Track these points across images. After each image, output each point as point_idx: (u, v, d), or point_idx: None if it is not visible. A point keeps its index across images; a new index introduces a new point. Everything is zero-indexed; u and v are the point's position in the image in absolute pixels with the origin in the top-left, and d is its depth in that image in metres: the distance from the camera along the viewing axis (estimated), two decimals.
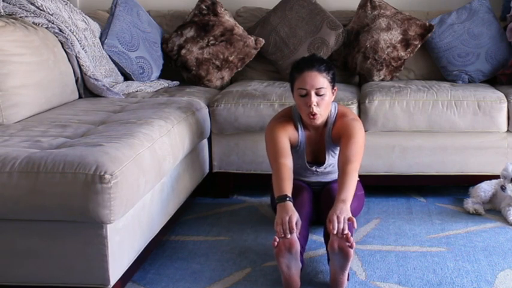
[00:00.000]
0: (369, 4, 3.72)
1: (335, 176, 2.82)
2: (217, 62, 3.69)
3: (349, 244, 2.21)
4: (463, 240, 2.72)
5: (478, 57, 3.61)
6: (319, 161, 2.80)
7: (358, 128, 2.65)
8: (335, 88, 2.68)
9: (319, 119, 2.64)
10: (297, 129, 2.75)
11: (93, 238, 2.03)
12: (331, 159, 2.77)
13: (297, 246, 2.26)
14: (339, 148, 2.67)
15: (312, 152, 2.80)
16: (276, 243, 2.25)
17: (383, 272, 2.42)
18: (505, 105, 3.13)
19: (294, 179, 2.79)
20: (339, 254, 2.23)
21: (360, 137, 2.62)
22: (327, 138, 2.73)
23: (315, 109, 2.59)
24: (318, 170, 2.79)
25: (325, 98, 2.61)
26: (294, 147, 2.75)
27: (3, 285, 2.11)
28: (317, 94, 2.59)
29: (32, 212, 2.00)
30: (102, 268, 2.05)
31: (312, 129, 2.76)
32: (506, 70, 3.56)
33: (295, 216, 2.34)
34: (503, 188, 2.92)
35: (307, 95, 2.60)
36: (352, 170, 2.49)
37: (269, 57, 3.80)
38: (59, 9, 3.21)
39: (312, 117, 2.62)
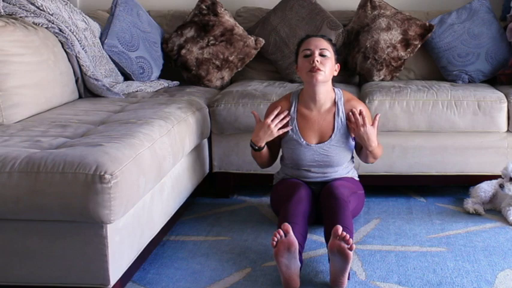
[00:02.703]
0: (369, 4, 3.72)
1: (335, 173, 2.83)
2: (217, 62, 3.69)
3: (349, 246, 2.21)
4: (463, 240, 2.72)
5: (478, 57, 3.61)
6: (323, 141, 2.82)
7: (370, 116, 2.85)
8: (338, 64, 2.82)
9: (321, 75, 2.72)
10: (289, 109, 2.81)
11: (93, 238, 2.03)
12: (335, 140, 2.79)
13: (296, 244, 2.26)
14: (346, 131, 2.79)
15: (316, 133, 2.81)
16: (274, 242, 2.26)
17: (383, 272, 2.43)
18: (505, 105, 3.13)
19: (292, 178, 2.80)
20: (339, 256, 2.23)
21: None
22: (338, 122, 2.79)
23: (318, 64, 2.71)
24: (320, 149, 2.79)
25: (328, 62, 2.74)
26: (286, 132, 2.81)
27: (3, 285, 2.11)
28: (320, 55, 2.72)
29: (32, 212, 2.00)
30: (102, 268, 2.05)
31: (314, 109, 2.80)
32: (506, 70, 3.56)
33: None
34: (501, 186, 2.93)
35: (311, 55, 2.72)
36: (381, 146, 2.87)
37: (269, 57, 3.80)
38: (59, 9, 3.21)
39: (314, 70, 2.70)
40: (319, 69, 2.70)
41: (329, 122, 2.81)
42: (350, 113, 2.75)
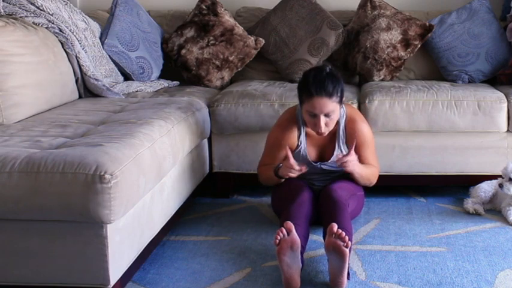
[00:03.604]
0: (369, 4, 3.72)
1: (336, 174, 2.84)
2: (217, 62, 3.69)
3: (344, 244, 2.21)
4: (463, 240, 2.72)
5: (478, 57, 3.61)
6: (325, 158, 2.84)
7: (370, 136, 2.83)
8: (343, 100, 2.72)
9: (326, 133, 2.71)
10: (299, 130, 2.80)
11: (93, 238, 2.03)
12: (336, 159, 2.79)
13: (299, 243, 2.27)
14: (347, 148, 2.77)
15: (317, 150, 2.84)
16: (277, 240, 2.26)
17: (383, 272, 2.42)
18: (505, 105, 3.13)
19: (294, 178, 2.81)
20: (335, 254, 2.23)
21: (373, 143, 2.84)
22: (339, 142, 2.79)
23: (323, 129, 2.66)
24: (322, 166, 2.81)
25: (334, 117, 2.67)
26: (294, 150, 2.79)
27: (3, 285, 2.11)
28: (326, 115, 2.64)
29: (32, 212, 2.00)
30: (102, 268, 2.05)
31: None
32: (506, 70, 3.56)
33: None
34: (501, 186, 2.93)
35: (316, 116, 2.64)
36: (375, 169, 2.84)
37: (269, 57, 3.80)
38: (59, 9, 3.21)
39: (319, 134, 2.70)
40: (324, 132, 2.69)
41: (331, 141, 2.82)
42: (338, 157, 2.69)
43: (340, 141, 2.80)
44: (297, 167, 2.62)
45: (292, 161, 2.62)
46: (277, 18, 3.79)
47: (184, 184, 2.86)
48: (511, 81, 3.52)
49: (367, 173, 2.79)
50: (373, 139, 2.87)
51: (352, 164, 2.66)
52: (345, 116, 2.81)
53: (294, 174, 2.66)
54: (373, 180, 2.86)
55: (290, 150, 2.70)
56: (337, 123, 2.78)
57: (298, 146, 2.81)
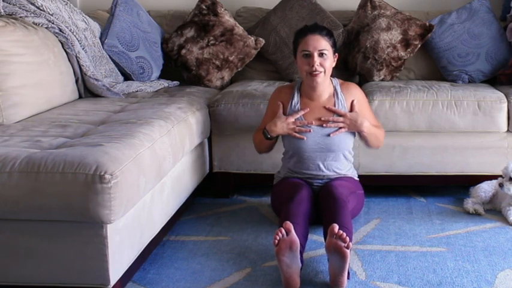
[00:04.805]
0: (369, 4, 3.72)
1: (335, 163, 2.84)
2: (217, 62, 3.69)
3: (345, 245, 2.21)
4: (463, 240, 2.72)
5: (478, 57, 3.61)
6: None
7: (366, 99, 2.96)
8: (336, 54, 2.84)
9: (321, 77, 2.78)
10: (293, 95, 2.87)
11: (93, 238, 2.03)
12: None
13: (298, 243, 2.27)
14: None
15: (315, 118, 2.84)
16: (276, 241, 2.26)
17: (383, 272, 2.43)
18: (505, 105, 3.13)
19: (294, 177, 2.81)
20: (336, 255, 2.23)
21: (369, 105, 2.98)
22: (338, 106, 2.85)
23: (318, 67, 2.74)
24: (321, 130, 2.81)
25: (327, 60, 2.77)
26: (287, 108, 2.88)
27: (3, 285, 2.11)
28: (319, 55, 2.75)
29: (32, 212, 2.00)
30: (102, 268, 2.05)
31: (315, 98, 2.85)
32: (506, 70, 3.56)
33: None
34: (501, 185, 2.93)
35: (310, 56, 2.74)
36: (381, 128, 2.94)
37: (269, 57, 3.80)
38: (59, 9, 3.21)
39: (313, 74, 2.76)
40: (318, 73, 2.75)
41: (330, 106, 2.86)
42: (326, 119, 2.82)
43: (340, 104, 2.85)
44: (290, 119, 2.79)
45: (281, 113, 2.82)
46: (277, 18, 3.79)
47: (184, 184, 2.86)
48: (511, 81, 3.52)
49: (375, 131, 2.88)
50: (368, 103, 3.00)
51: (354, 116, 2.79)
52: (338, 83, 2.90)
53: (292, 130, 2.80)
54: (381, 138, 2.93)
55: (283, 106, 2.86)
56: (334, 89, 2.86)
57: (291, 103, 2.86)
